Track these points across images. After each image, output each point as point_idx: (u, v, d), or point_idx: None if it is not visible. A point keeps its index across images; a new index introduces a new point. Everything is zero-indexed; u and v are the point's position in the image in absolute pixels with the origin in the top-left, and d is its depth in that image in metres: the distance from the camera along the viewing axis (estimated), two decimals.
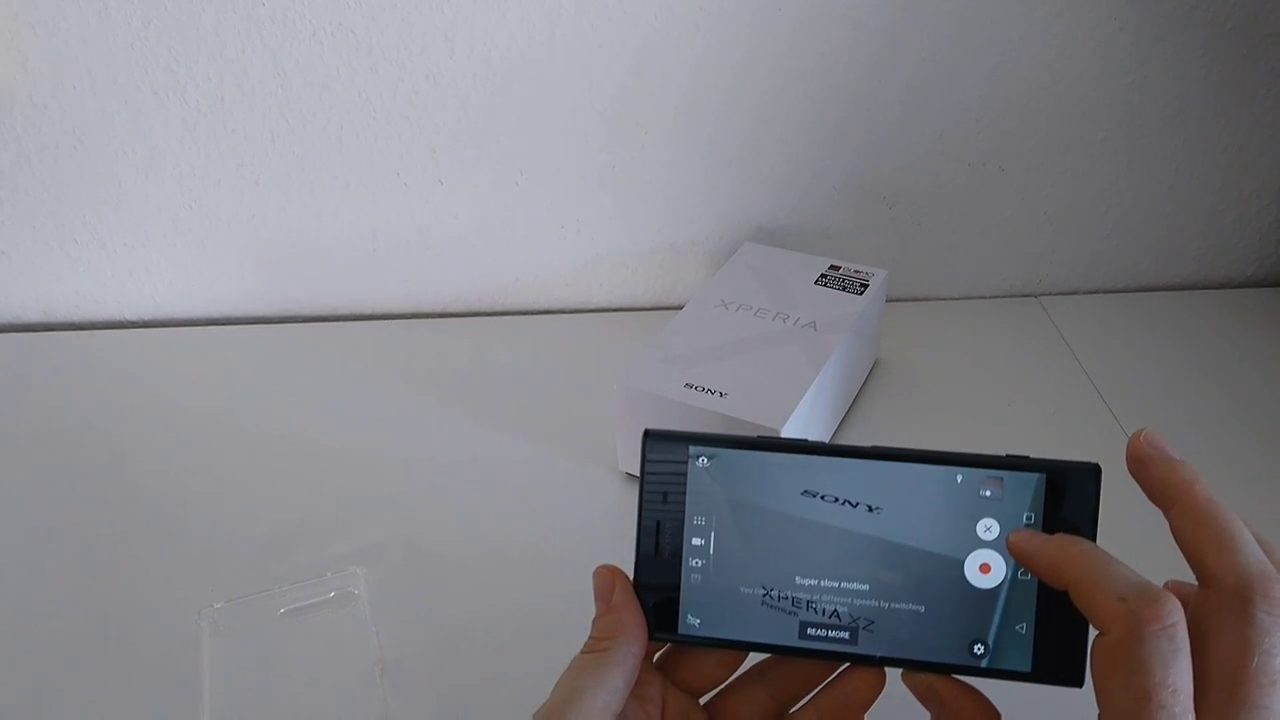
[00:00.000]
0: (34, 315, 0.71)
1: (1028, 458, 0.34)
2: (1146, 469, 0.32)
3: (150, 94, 0.62)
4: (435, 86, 0.63)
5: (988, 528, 0.34)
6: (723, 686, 0.38)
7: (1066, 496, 0.33)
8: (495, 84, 0.63)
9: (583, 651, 0.34)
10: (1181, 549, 0.30)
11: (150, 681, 0.47)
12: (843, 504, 0.35)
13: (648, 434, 0.36)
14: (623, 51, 0.63)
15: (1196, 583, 0.30)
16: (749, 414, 0.51)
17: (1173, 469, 0.32)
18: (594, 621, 0.35)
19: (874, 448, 0.35)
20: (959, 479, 0.34)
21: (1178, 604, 0.27)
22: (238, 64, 0.61)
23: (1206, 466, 0.60)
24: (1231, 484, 0.58)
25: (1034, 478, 0.34)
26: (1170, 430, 0.62)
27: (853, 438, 0.61)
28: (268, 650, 0.47)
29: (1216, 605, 0.28)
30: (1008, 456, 0.34)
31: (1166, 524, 0.32)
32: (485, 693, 0.46)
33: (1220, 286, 0.78)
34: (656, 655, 0.38)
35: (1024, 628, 0.34)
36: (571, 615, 0.38)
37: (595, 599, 0.35)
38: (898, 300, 0.75)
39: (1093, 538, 0.33)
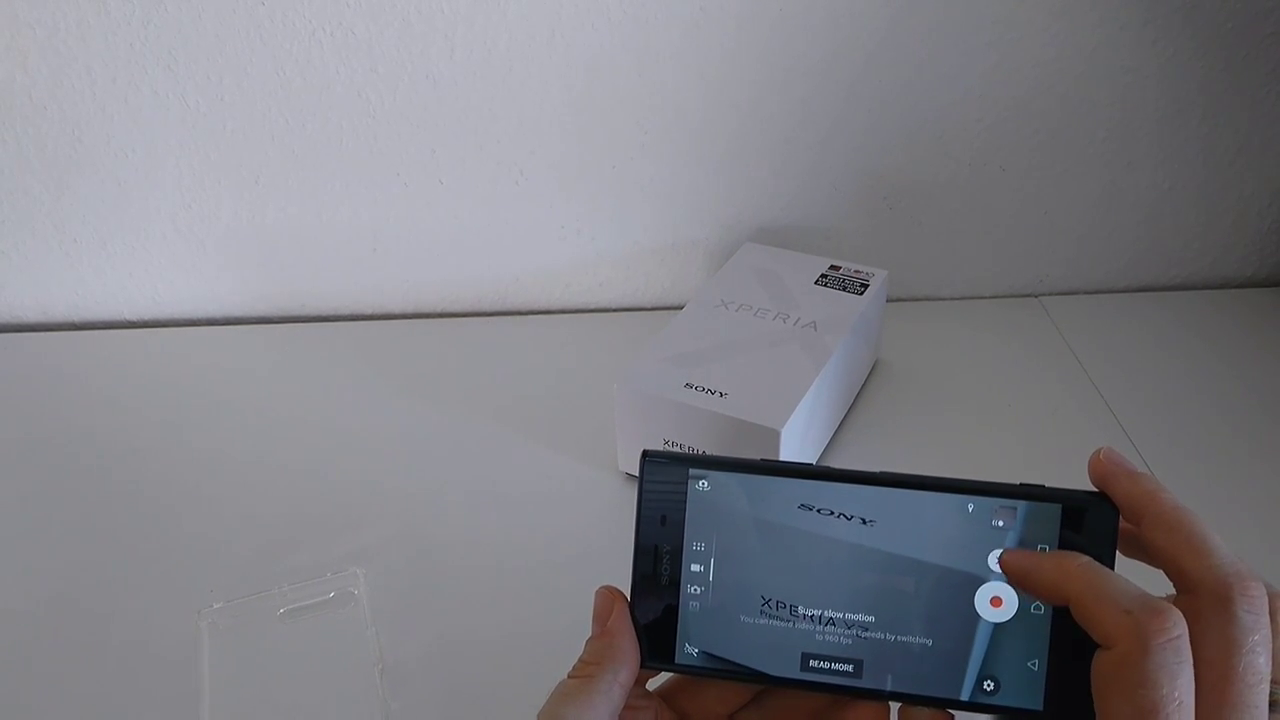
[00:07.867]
0: (33, 315, 0.71)
1: (1043, 487, 0.32)
2: (1111, 485, 0.32)
3: (150, 94, 0.62)
4: (435, 86, 0.63)
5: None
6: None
7: (1084, 529, 0.32)
8: (495, 84, 0.63)
9: (570, 675, 0.33)
10: (1156, 558, 0.30)
11: (150, 681, 0.47)
12: (849, 533, 0.33)
13: (646, 455, 0.34)
14: (623, 51, 0.63)
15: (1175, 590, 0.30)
16: (749, 414, 0.51)
17: (1136, 481, 0.31)
18: (586, 643, 0.34)
19: (882, 473, 0.33)
20: (970, 508, 0.32)
21: (1181, 616, 0.27)
22: (238, 64, 0.61)
23: (1207, 466, 0.61)
24: (1232, 484, 0.58)
25: (1050, 509, 0.32)
26: (1170, 430, 0.63)
27: (853, 439, 0.61)
28: (268, 650, 0.47)
29: (1198, 608, 0.28)
30: (1022, 485, 0.32)
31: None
32: (485, 693, 0.46)
33: (1220, 286, 0.78)
34: (658, 681, 0.37)
35: (1036, 664, 0.32)
36: (571, 616, 0.38)
37: (592, 619, 0.35)
38: (898, 300, 0.75)
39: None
